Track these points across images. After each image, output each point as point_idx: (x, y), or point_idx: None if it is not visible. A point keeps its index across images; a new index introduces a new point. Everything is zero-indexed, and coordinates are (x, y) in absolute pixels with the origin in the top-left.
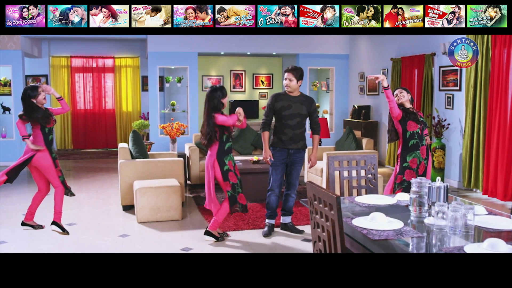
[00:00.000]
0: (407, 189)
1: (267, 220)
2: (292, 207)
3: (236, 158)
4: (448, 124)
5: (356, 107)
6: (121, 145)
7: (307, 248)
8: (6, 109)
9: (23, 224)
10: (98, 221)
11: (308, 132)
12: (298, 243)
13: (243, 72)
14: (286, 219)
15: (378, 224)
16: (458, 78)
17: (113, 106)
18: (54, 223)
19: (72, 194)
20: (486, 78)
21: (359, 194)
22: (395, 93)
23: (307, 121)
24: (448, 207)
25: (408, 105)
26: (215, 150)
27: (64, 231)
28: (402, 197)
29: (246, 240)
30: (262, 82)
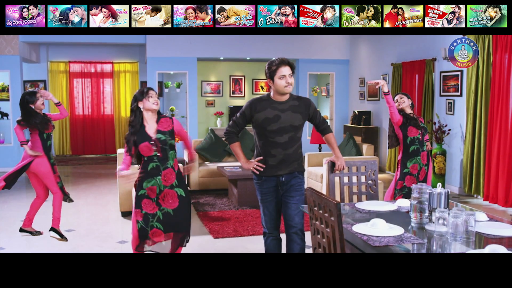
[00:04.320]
0: (407, 195)
1: None
2: None
3: (235, 164)
4: (449, 130)
5: (357, 112)
6: (120, 150)
7: None
8: (4, 115)
9: (21, 230)
10: (97, 227)
11: (307, 138)
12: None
13: (243, 78)
14: None
15: (379, 230)
16: (459, 83)
17: (112, 111)
18: (52, 229)
19: (71, 200)
20: (487, 84)
21: (359, 200)
22: (395, 98)
23: (304, 128)
24: (449, 213)
25: (408, 110)
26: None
27: (63, 237)
28: (403, 203)
29: (245, 246)
30: (262, 88)
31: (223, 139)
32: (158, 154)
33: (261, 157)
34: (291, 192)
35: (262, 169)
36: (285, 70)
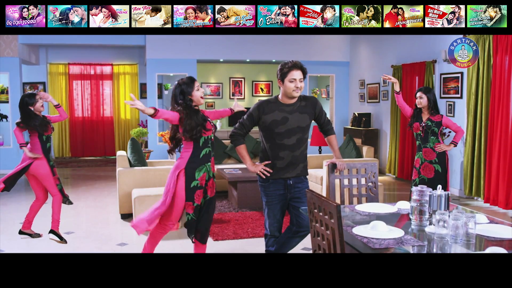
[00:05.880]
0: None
1: None
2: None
3: (235, 166)
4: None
5: (357, 114)
6: (120, 153)
7: None
8: (3, 117)
9: (20, 232)
10: (96, 229)
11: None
12: (298, 252)
13: (243, 80)
14: None
15: (379, 232)
16: (459, 85)
17: (111, 113)
18: (52, 231)
19: (70, 203)
20: (487, 86)
21: (359, 202)
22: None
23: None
24: (449, 216)
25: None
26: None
27: (62, 240)
28: (403, 206)
29: (245, 248)
30: (262, 90)
31: (223, 141)
32: (212, 138)
33: (269, 161)
34: (302, 198)
35: (269, 174)
36: (297, 74)
